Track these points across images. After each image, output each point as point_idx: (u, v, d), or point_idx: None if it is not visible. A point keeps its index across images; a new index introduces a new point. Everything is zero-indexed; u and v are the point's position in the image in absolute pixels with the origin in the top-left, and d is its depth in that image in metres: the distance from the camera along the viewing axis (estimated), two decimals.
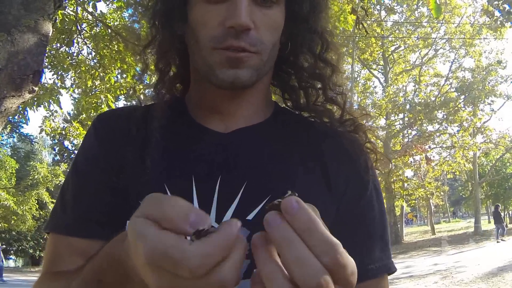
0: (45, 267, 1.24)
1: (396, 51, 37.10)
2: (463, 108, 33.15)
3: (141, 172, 1.21)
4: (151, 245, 0.67)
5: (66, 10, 8.43)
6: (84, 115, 9.87)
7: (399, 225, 35.35)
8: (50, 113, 10.82)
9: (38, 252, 41.68)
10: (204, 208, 1.07)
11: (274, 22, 1.21)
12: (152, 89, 1.44)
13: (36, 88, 2.59)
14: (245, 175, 1.20)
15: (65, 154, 46.45)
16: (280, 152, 1.28)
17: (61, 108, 10.43)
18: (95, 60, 10.00)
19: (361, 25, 7.56)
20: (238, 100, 1.29)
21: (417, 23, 35.08)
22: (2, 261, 23.31)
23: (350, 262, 0.70)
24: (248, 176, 1.20)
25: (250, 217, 1.14)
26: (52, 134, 11.19)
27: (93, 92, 9.90)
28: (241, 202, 1.15)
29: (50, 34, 2.71)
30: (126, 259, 0.82)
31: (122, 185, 1.21)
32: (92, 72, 9.61)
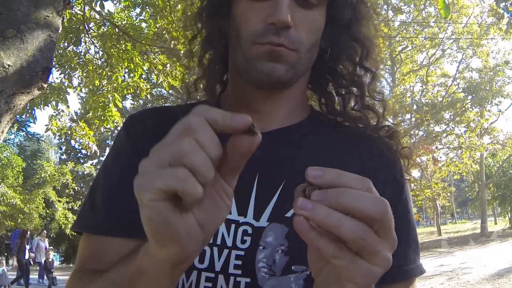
0: (77, 265, 1.25)
1: (404, 51, 37.04)
2: (470, 109, 33.12)
3: None
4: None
5: (74, 9, 8.45)
6: (91, 114, 9.87)
7: None
8: (57, 112, 10.84)
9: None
10: (242, 206, 1.14)
11: (313, 24, 1.24)
12: (192, 85, 1.48)
13: (45, 85, 2.59)
14: (283, 174, 1.23)
15: (72, 153, 46.56)
16: (316, 152, 1.32)
17: (68, 107, 10.45)
18: (102, 60, 10.02)
19: None
20: (274, 100, 1.32)
21: (424, 23, 35.00)
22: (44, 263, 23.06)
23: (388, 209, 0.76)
24: (286, 175, 1.23)
25: (289, 214, 1.16)
26: (58, 134, 11.21)
27: (100, 92, 9.91)
28: (279, 199, 1.19)
29: (59, 31, 2.71)
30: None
31: None
32: (100, 71, 9.62)
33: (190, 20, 1.46)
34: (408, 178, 1.37)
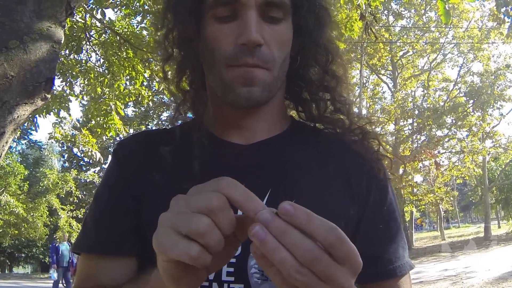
0: (75, 284, 1.36)
1: (405, 56, 37.04)
2: (472, 113, 33.05)
3: (165, 191, 1.24)
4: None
5: (75, 17, 8.47)
6: (93, 122, 9.88)
7: (408, 231, 35.22)
8: (60, 120, 10.86)
9: (47, 259, 41.76)
10: None
11: (282, 37, 1.27)
12: (174, 111, 1.50)
13: (49, 96, 2.60)
14: (269, 183, 1.26)
15: (74, 161, 46.56)
16: (300, 161, 1.35)
17: (70, 115, 10.48)
18: (103, 67, 10.04)
19: (370, 30, 7.56)
20: (254, 116, 1.35)
21: (425, 28, 35.01)
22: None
23: (350, 242, 0.77)
24: (272, 184, 1.26)
25: None
26: (61, 141, 11.25)
27: (102, 99, 9.92)
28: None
29: (62, 41, 2.72)
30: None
31: (142, 207, 1.30)
32: (101, 79, 9.64)
33: (159, 43, 1.47)
34: (390, 177, 1.41)
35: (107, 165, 1.48)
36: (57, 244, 20.41)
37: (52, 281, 21.29)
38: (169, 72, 1.50)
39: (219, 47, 1.23)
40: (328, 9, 1.43)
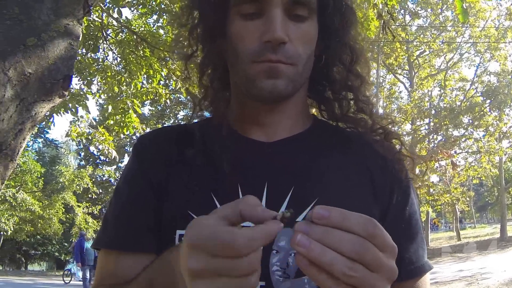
0: (95, 281, 1.35)
1: (421, 55, 36.87)
2: (489, 113, 32.79)
3: (187, 185, 1.30)
4: (202, 227, 0.80)
5: (92, 16, 8.50)
6: (110, 121, 9.92)
7: (424, 231, 35.04)
8: (77, 118, 10.91)
9: (63, 256, 42.08)
10: None
11: (307, 35, 1.28)
12: (195, 106, 1.52)
13: (66, 93, 2.61)
14: (292, 181, 1.27)
15: (90, 159, 46.79)
16: (323, 160, 1.36)
17: (88, 113, 10.53)
18: (120, 66, 10.07)
19: (387, 29, 7.53)
20: (277, 112, 1.37)
21: (441, 27, 34.82)
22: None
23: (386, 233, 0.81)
24: (295, 182, 1.27)
25: (299, 218, 1.21)
26: (78, 139, 11.29)
27: (119, 98, 9.96)
28: (289, 205, 1.23)
29: (80, 39, 2.73)
30: (175, 265, 0.94)
31: (164, 201, 1.30)
32: (118, 77, 9.67)
33: (180, 40, 1.51)
34: (411, 177, 1.42)
35: (127, 161, 1.48)
36: (77, 240, 20.52)
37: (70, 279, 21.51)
38: (188, 71, 1.52)
39: (243, 44, 1.25)
40: (354, 8, 1.44)
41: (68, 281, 26.07)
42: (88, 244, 20.19)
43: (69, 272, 27.57)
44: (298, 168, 1.32)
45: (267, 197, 1.25)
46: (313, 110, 1.59)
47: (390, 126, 1.46)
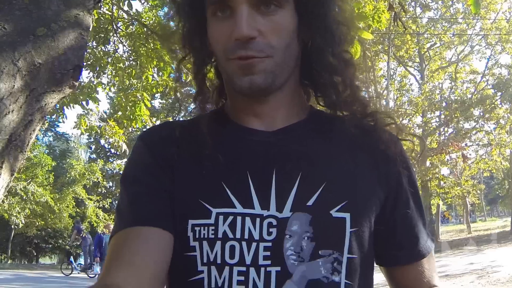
0: (105, 267, 1.19)
1: (432, 48, 36.77)
2: (500, 106, 32.68)
3: (196, 174, 1.31)
4: None
5: (102, 9, 8.51)
6: (120, 113, 9.93)
7: (435, 224, 35.01)
8: (86, 111, 10.93)
9: (74, 249, 42.36)
10: (263, 200, 1.21)
11: (280, 26, 1.28)
12: (192, 101, 1.54)
13: (77, 83, 2.61)
14: (299, 167, 1.29)
15: (101, 153, 46.96)
16: (326, 147, 1.38)
17: (97, 106, 10.56)
18: (131, 59, 10.08)
19: (398, 21, 7.50)
20: (268, 103, 1.38)
21: (452, 20, 34.69)
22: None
23: None
24: (301, 167, 1.29)
25: (309, 203, 1.24)
26: (87, 133, 11.33)
27: (130, 91, 9.98)
28: (299, 190, 1.25)
29: (90, 29, 2.73)
30: None
31: (175, 188, 1.30)
32: (129, 70, 9.68)
33: (177, 42, 1.54)
34: (408, 157, 1.46)
35: (132, 151, 1.45)
36: (91, 234, 20.67)
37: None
38: (180, 73, 1.63)
39: (219, 43, 1.29)
40: None
41: (68, 274, 25.95)
42: (108, 238, 20.40)
43: (70, 264, 27.16)
44: (303, 154, 1.33)
45: (276, 183, 1.26)
46: (311, 99, 1.60)
47: (382, 110, 1.47)
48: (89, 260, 24.30)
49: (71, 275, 25.50)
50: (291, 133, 1.38)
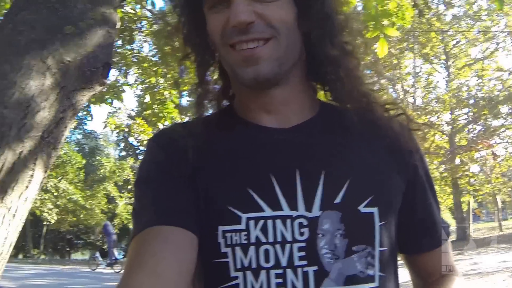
0: (125, 272, 1.12)
1: (457, 45, 36.31)
2: None
3: (218, 177, 1.29)
4: None
5: (125, 8, 8.56)
6: (148, 111, 9.99)
7: (466, 221, 34.61)
8: (114, 110, 11.01)
9: (105, 245, 42.72)
10: (291, 201, 1.21)
11: (278, 14, 1.25)
12: (196, 101, 1.51)
13: (106, 81, 2.63)
14: (321, 165, 1.28)
15: (130, 150, 47.19)
16: (342, 140, 1.36)
17: (124, 105, 10.64)
18: (157, 57, 10.11)
19: (422, 17, 7.44)
20: (276, 96, 1.35)
21: (476, 17, 34.24)
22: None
23: None
24: (324, 165, 1.28)
25: (337, 200, 1.23)
26: (116, 130, 11.40)
27: (157, 89, 10.02)
28: (325, 188, 1.24)
29: (117, 26, 2.75)
30: None
31: (198, 193, 1.26)
32: (155, 69, 9.72)
33: (180, 42, 1.51)
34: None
35: (145, 153, 1.43)
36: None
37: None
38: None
39: (215, 34, 1.28)
40: None
41: (93, 269, 25.87)
42: None
43: (96, 259, 26.97)
44: (323, 151, 1.32)
45: (301, 183, 1.24)
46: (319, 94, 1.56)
47: (393, 101, 1.49)
48: (114, 256, 24.46)
49: (100, 270, 25.67)
50: (307, 129, 1.36)
